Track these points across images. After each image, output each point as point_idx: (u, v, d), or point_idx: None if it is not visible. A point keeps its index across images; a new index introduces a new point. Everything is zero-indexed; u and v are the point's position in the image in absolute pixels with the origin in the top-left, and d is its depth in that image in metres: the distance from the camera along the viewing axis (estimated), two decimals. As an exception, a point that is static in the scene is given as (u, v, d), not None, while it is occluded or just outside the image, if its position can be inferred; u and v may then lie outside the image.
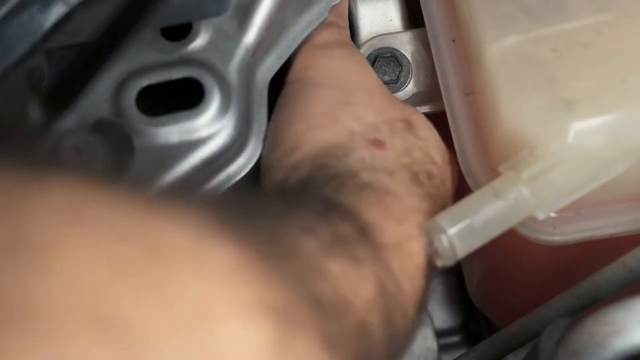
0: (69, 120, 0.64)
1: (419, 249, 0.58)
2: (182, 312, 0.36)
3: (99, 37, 0.57)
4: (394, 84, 0.73)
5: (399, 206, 0.59)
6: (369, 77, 0.69)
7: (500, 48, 0.64)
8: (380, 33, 0.74)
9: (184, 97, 0.67)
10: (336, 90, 0.66)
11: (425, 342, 0.89)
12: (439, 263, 0.59)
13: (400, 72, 0.73)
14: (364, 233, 0.55)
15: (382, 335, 0.51)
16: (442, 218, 0.58)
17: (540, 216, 0.60)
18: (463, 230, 0.58)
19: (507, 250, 0.68)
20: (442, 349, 0.91)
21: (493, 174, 0.62)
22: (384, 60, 0.73)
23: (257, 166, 0.68)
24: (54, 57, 0.63)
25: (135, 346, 0.34)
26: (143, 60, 0.66)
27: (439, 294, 0.93)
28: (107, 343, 0.34)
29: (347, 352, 0.46)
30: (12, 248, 0.35)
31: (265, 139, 0.68)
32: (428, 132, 0.67)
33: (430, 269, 0.59)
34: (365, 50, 0.74)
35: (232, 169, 0.67)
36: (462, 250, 0.58)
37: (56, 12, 0.59)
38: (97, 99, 0.65)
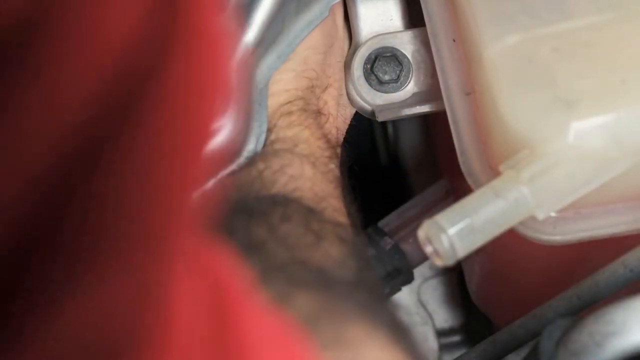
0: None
1: None
2: None
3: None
4: (394, 84, 0.73)
5: None
6: None
7: (500, 47, 0.64)
8: (380, 32, 0.74)
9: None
10: None
11: (426, 341, 0.89)
12: (439, 263, 0.59)
13: (400, 71, 0.73)
14: None
15: None
16: (442, 218, 0.58)
17: (540, 216, 0.60)
18: (463, 230, 0.58)
19: (507, 250, 0.68)
20: (443, 348, 0.91)
21: (493, 173, 0.62)
22: (385, 60, 0.73)
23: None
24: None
25: None
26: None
27: (440, 293, 0.93)
28: None
29: None
30: None
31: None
32: None
33: None
34: (365, 50, 0.73)
35: (231, 168, 0.67)
36: (462, 250, 0.58)
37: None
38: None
